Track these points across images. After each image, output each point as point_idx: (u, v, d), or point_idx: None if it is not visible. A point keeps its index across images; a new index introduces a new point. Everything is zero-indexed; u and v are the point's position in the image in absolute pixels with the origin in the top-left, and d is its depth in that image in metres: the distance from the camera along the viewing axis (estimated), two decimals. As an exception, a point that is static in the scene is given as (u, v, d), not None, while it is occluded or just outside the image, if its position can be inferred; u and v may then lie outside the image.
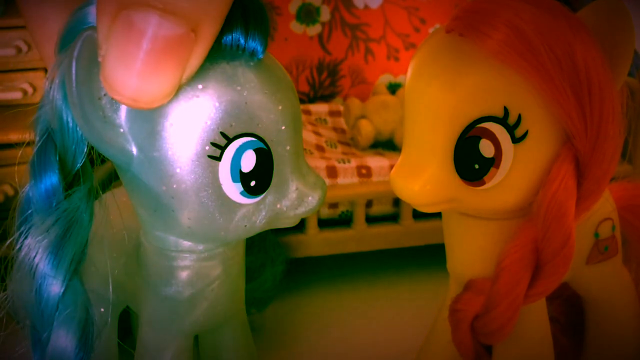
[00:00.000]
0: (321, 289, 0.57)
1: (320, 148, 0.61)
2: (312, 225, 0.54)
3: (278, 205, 0.30)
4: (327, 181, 0.54)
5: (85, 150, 0.29)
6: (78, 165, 0.29)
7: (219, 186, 0.28)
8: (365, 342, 0.50)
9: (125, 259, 0.34)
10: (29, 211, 0.29)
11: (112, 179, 0.38)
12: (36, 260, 0.28)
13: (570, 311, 0.43)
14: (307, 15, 0.70)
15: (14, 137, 0.50)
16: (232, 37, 0.28)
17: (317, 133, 0.64)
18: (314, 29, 0.70)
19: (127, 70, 0.24)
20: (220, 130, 0.28)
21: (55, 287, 0.28)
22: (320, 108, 0.69)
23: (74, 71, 0.27)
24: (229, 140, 0.28)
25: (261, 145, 0.29)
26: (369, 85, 0.72)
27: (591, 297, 0.40)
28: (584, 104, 0.28)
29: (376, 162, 0.56)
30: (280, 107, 0.29)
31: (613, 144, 0.30)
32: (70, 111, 0.28)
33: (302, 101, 0.72)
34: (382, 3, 0.71)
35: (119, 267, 0.34)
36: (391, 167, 0.53)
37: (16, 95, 0.53)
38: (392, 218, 0.56)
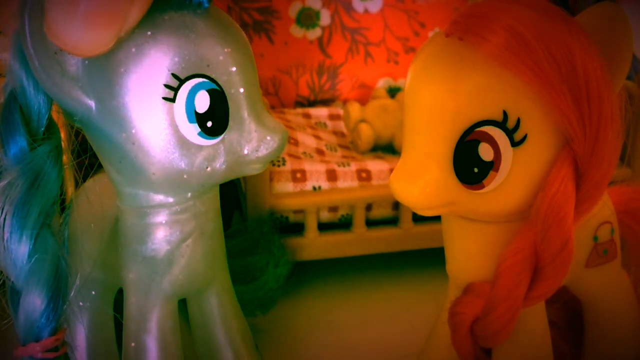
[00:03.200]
0: (321, 293, 0.57)
1: (320, 152, 0.61)
2: (312, 228, 0.54)
3: (238, 148, 0.31)
4: (327, 185, 0.54)
5: (49, 108, 0.30)
6: (43, 122, 0.30)
7: (176, 128, 0.30)
8: (365, 345, 0.50)
9: (109, 235, 0.35)
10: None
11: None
12: (4, 212, 0.29)
13: (569, 314, 0.43)
14: (307, 19, 0.70)
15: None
16: None
17: (317, 137, 0.64)
18: (314, 33, 0.70)
19: (68, 19, 0.26)
20: (172, 72, 0.29)
21: (24, 238, 0.29)
22: (320, 112, 0.70)
23: (27, 27, 0.28)
24: (181, 82, 0.29)
25: (214, 86, 0.30)
26: (369, 89, 0.72)
27: (590, 301, 0.40)
28: (582, 108, 0.28)
29: (376, 165, 0.56)
30: (228, 50, 0.30)
31: (612, 147, 0.30)
32: (29, 70, 0.29)
33: (302, 105, 0.72)
34: (381, 7, 0.71)
35: (104, 246, 0.35)
36: (391, 170, 0.53)
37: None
38: (392, 221, 0.56)
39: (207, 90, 0.30)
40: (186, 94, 0.30)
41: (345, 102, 0.71)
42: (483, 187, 0.30)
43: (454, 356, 0.33)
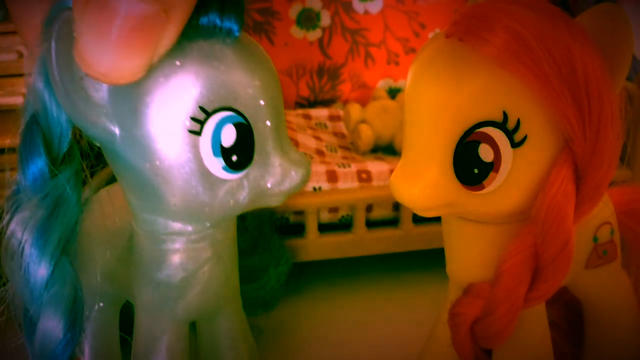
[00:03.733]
0: (321, 293, 0.57)
1: (320, 152, 0.61)
2: (313, 229, 0.54)
3: (262, 182, 0.31)
4: (328, 186, 0.54)
5: (71, 132, 0.30)
6: (64, 147, 0.30)
7: (201, 161, 0.29)
8: (365, 346, 0.51)
9: (121, 251, 0.35)
10: (17, 192, 0.29)
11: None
12: (24, 239, 0.28)
13: (569, 315, 0.43)
14: (307, 20, 0.70)
15: (16, 141, 0.50)
16: (208, 18, 0.28)
17: (317, 138, 0.64)
18: (314, 34, 0.70)
19: (100, 46, 0.25)
20: (199, 104, 0.28)
21: (43, 266, 0.28)
22: (320, 113, 0.70)
23: (53, 52, 0.27)
24: (208, 115, 0.28)
25: (241, 119, 0.29)
26: (369, 89, 0.72)
27: (590, 301, 0.40)
28: (582, 109, 0.28)
29: (376, 166, 0.56)
30: (257, 82, 0.29)
31: (612, 148, 0.30)
32: (53, 93, 0.28)
33: (302, 106, 0.72)
34: (382, 8, 0.71)
35: (115, 260, 0.35)
36: (391, 171, 0.53)
37: (18, 100, 0.53)
38: (392, 222, 0.56)
39: (234, 124, 0.29)
40: (213, 127, 0.29)
41: (345, 103, 0.72)
42: (483, 188, 0.30)
43: (454, 356, 0.33)
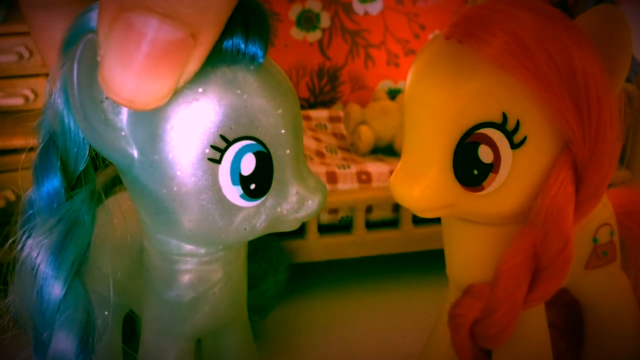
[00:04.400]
0: (321, 295, 0.57)
1: (320, 154, 0.61)
2: (312, 230, 0.54)
3: (278, 209, 0.30)
4: (327, 187, 0.54)
5: (87, 153, 0.29)
6: (80, 168, 0.29)
7: (219, 189, 0.28)
8: (365, 347, 0.51)
9: (129, 262, 0.34)
10: (31, 213, 0.29)
11: (115, 184, 0.38)
12: (38, 261, 0.28)
13: (569, 316, 0.43)
14: (307, 21, 0.70)
15: (15, 142, 0.50)
16: (232, 42, 0.28)
17: (317, 139, 0.64)
18: (314, 35, 0.70)
19: (125, 71, 0.24)
20: (220, 133, 0.28)
21: (56, 288, 0.28)
22: (320, 114, 0.70)
23: (75, 74, 0.27)
24: (229, 144, 0.28)
25: (261, 148, 0.29)
26: (369, 91, 0.72)
27: (590, 303, 0.40)
28: (582, 110, 0.29)
29: (376, 167, 0.56)
30: (280, 111, 0.29)
31: (611, 149, 0.30)
32: (72, 114, 0.28)
33: (302, 107, 0.72)
34: (382, 9, 0.71)
35: (122, 271, 0.34)
36: (391, 172, 0.53)
37: (18, 102, 0.53)
38: (392, 223, 0.56)
39: (254, 153, 0.29)
40: (232, 156, 0.28)
41: (345, 104, 0.72)
42: (483, 189, 0.30)
43: (454, 357, 0.33)
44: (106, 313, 0.36)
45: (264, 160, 0.29)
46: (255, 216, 0.30)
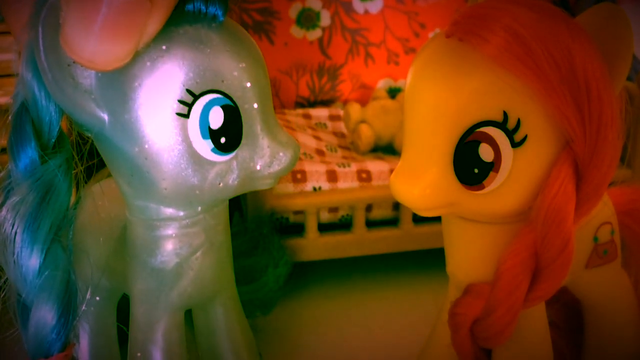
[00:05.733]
0: (321, 293, 0.57)
1: (320, 152, 0.61)
2: (312, 229, 0.54)
3: (251, 164, 0.31)
4: (328, 185, 0.54)
5: (60, 120, 0.30)
6: (54, 135, 0.30)
7: (190, 144, 0.29)
8: (364, 346, 0.51)
9: (115, 243, 0.35)
10: (9, 182, 0.29)
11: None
12: (15, 226, 0.28)
13: (569, 315, 0.43)
14: (307, 20, 0.70)
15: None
16: (193, 5, 0.29)
17: (317, 137, 0.64)
18: (314, 34, 0.70)
19: (85, 32, 0.25)
20: (187, 87, 0.29)
21: (35, 252, 0.29)
22: (320, 112, 0.70)
23: (41, 39, 0.27)
24: (196, 97, 0.29)
25: (228, 102, 0.30)
26: (369, 89, 0.72)
27: (590, 302, 0.40)
28: (582, 109, 0.28)
29: (376, 166, 0.56)
30: (243, 65, 0.30)
31: (612, 148, 0.30)
32: (41, 81, 0.29)
33: (302, 105, 0.72)
34: (382, 8, 0.71)
35: (110, 252, 0.35)
36: (391, 171, 0.53)
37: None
38: (392, 222, 0.56)
39: (222, 106, 0.30)
40: (200, 110, 0.29)
41: (345, 102, 0.72)
42: (483, 187, 0.30)
43: (454, 357, 0.33)
44: (98, 298, 0.37)
45: (232, 113, 0.30)
46: (228, 172, 0.31)
